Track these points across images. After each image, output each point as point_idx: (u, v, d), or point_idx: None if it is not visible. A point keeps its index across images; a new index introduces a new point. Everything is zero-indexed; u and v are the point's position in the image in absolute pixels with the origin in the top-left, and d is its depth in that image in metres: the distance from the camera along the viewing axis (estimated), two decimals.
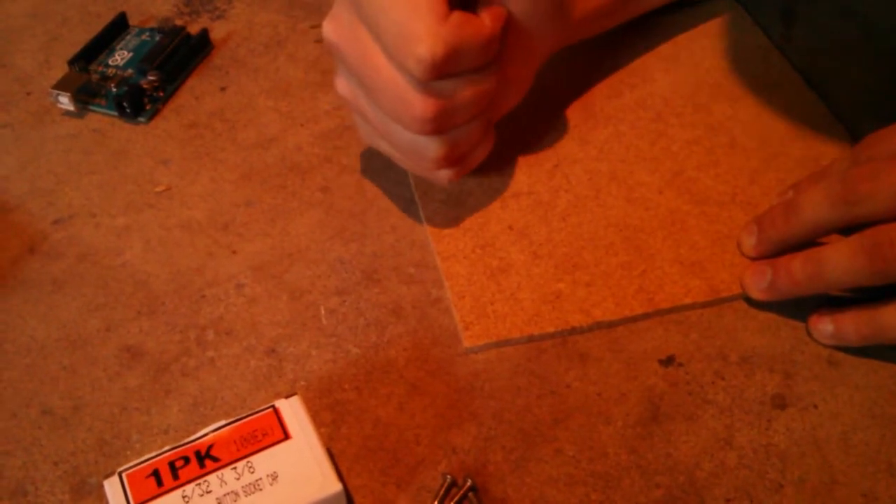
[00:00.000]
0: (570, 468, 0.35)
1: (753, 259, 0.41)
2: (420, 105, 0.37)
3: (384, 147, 0.42)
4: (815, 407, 0.37)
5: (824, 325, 0.39)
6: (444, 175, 0.41)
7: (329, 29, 0.38)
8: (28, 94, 0.53)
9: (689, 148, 0.47)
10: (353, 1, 0.37)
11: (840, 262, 0.37)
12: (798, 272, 0.39)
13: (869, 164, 0.36)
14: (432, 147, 0.39)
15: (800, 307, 0.40)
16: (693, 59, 0.52)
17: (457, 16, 0.36)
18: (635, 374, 0.38)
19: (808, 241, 0.39)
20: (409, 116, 0.37)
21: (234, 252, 0.43)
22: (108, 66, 0.53)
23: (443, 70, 0.36)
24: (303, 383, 0.38)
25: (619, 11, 0.49)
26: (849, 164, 0.38)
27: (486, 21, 0.37)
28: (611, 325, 0.40)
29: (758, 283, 0.40)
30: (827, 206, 0.37)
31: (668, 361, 0.39)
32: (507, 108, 0.45)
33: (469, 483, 0.34)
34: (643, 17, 0.53)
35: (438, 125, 0.38)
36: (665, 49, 0.53)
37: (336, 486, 0.31)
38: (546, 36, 0.42)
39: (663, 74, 0.51)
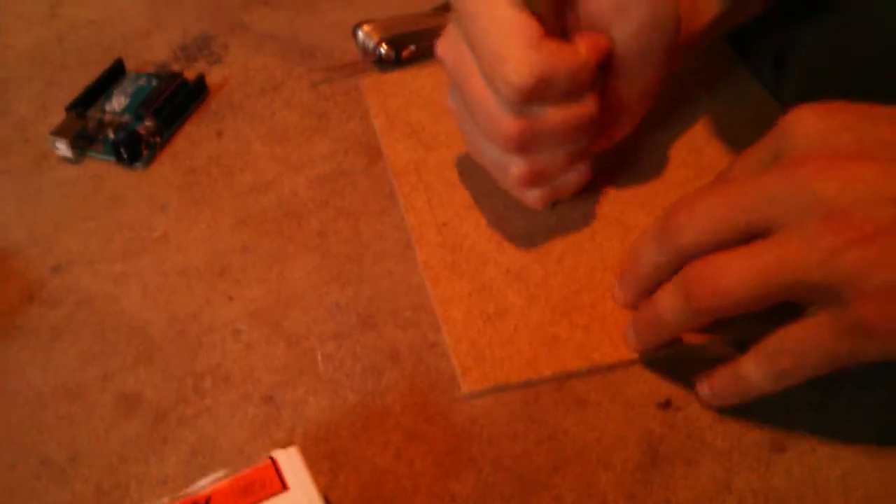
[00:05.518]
0: None
1: (624, 307, 0.41)
2: (506, 123, 0.39)
3: (479, 159, 0.44)
4: (814, 450, 0.37)
5: (703, 388, 0.38)
6: (531, 196, 0.43)
7: (440, 45, 0.42)
8: (26, 140, 0.53)
9: (683, 189, 0.47)
10: (460, 21, 0.39)
11: (667, 302, 0.36)
12: (643, 319, 0.38)
13: (687, 195, 0.36)
14: (514, 164, 0.41)
15: None
16: (686, 102, 0.53)
17: (551, 43, 0.37)
18: (633, 418, 0.38)
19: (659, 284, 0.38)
20: (496, 133, 0.40)
21: (230, 298, 0.44)
22: (105, 111, 0.53)
23: (532, 96, 0.37)
24: (300, 431, 0.38)
25: (728, 20, 0.48)
26: None
27: (581, 50, 0.38)
28: (608, 368, 0.40)
29: (628, 335, 0.40)
30: (654, 243, 0.37)
31: (666, 405, 0.39)
32: (617, 137, 0.45)
33: None
34: None
35: (522, 145, 0.40)
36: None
37: None
38: (661, 61, 0.42)
39: (656, 117, 0.52)
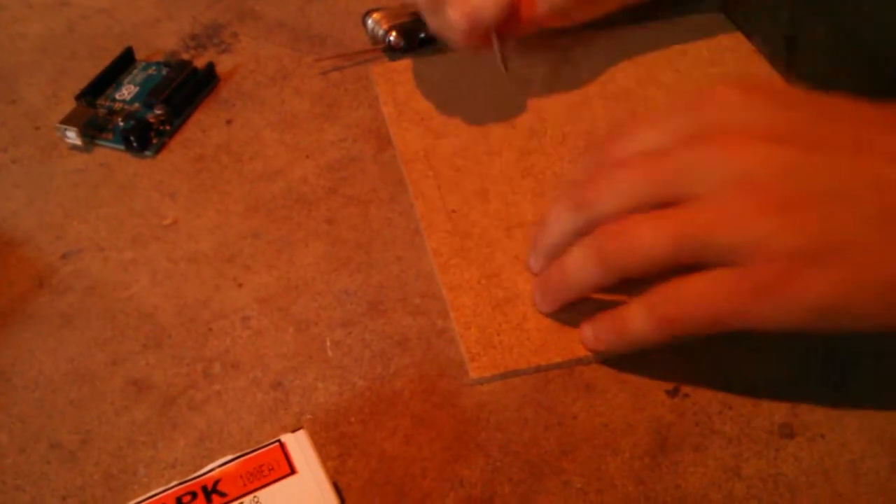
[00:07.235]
0: (577, 501, 0.35)
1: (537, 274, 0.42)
2: None
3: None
4: (823, 436, 0.37)
5: (586, 330, 0.39)
6: (454, 20, 0.45)
7: None
8: (36, 128, 0.53)
9: None
10: None
11: (577, 259, 0.38)
12: (552, 279, 0.40)
13: (600, 161, 0.38)
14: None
15: (805, 336, 0.40)
16: (696, 85, 0.52)
17: None
18: (642, 404, 0.38)
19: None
20: None
21: (240, 285, 0.44)
22: (114, 100, 0.54)
23: None
24: (309, 416, 0.38)
25: None
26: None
27: None
28: (617, 354, 0.40)
29: (535, 295, 0.41)
30: (569, 213, 0.38)
31: (675, 391, 0.39)
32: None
33: None
34: (642, 44, 0.54)
35: None
36: (666, 76, 0.53)
37: None
38: None
39: (662, 97, 0.51)
